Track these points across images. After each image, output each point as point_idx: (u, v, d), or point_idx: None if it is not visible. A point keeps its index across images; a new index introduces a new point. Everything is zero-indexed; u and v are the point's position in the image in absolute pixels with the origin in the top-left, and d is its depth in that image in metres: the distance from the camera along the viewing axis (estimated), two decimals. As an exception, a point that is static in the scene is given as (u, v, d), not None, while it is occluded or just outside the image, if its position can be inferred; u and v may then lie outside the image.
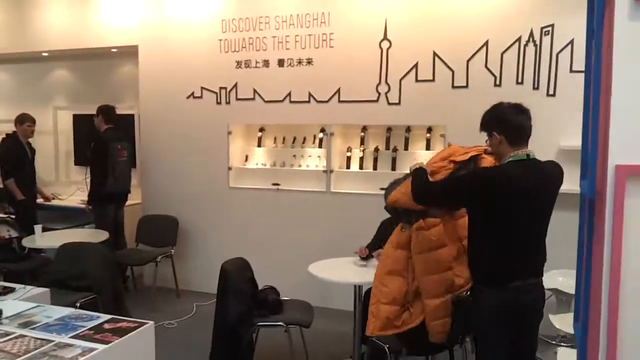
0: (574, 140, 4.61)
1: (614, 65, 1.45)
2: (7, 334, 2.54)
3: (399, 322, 3.19)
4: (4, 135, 6.51)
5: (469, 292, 3.05)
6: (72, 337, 2.50)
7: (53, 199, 6.82)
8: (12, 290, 3.39)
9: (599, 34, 1.60)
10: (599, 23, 1.60)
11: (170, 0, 5.99)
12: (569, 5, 4.64)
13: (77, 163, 7.34)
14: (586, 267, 1.75)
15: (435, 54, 5.05)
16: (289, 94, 5.59)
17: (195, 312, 5.43)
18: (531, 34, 4.77)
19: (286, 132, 5.85)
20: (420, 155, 5.13)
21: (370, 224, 4.53)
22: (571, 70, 4.67)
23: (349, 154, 5.56)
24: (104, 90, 7.02)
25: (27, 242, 5.28)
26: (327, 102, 5.44)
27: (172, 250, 5.81)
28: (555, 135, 4.64)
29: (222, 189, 5.92)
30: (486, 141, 2.83)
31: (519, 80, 4.82)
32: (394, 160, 5.35)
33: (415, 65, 5.11)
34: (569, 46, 4.67)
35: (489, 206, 2.66)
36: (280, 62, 5.59)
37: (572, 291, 3.96)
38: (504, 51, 4.85)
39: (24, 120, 6.18)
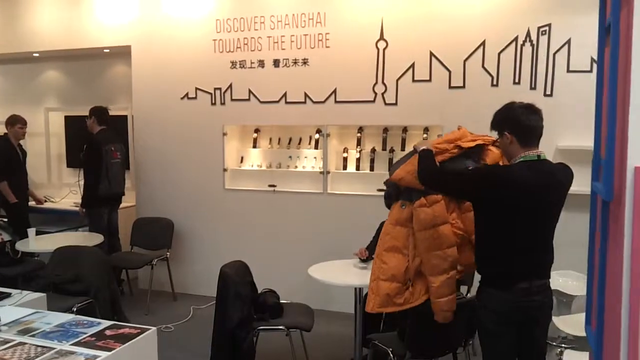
0: (572, 140, 4.62)
1: (632, 63, 1.42)
2: (6, 341, 2.50)
3: (400, 300, 3.15)
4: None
5: (474, 294, 3.02)
6: (74, 344, 2.46)
7: (45, 201, 6.74)
8: (7, 295, 3.34)
9: (616, 30, 1.57)
10: (615, 19, 1.57)
11: (163, 0, 5.93)
12: (566, 4, 4.66)
13: (69, 165, 7.26)
14: (600, 271, 1.73)
15: (432, 54, 5.03)
16: (285, 95, 5.55)
17: (192, 315, 5.38)
18: (528, 34, 4.76)
19: (282, 133, 5.82)
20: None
21: (368, 225, 4.50)
22: (568, 70, 4.68)
23: (345, 154, 5.54)
24: (96, 91, 6.95)
25: (20, 246, 5.20)
26: (323, 102, 5.41)
27: (168, 253, 5.75)
28: (552, 135, 4.61)
29: (217, 191, 5.88)
30: (496, 140, 2.81)
31: (516, 80, 4.82)
32: (390, 161, 5.32)
33: (412, 66, 5.10)
34: (566, 46, 4.68)
35: (496, 206, 2.65)
36: (276, 63, 5.55)
37: (573, 292, 3.98)
38: (501, 51, 4.84)
39: (15, 122, 6.10)
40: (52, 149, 7.40)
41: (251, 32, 5.61)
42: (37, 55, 7.01)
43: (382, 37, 5.17)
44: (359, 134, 5.49)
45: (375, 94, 5.23)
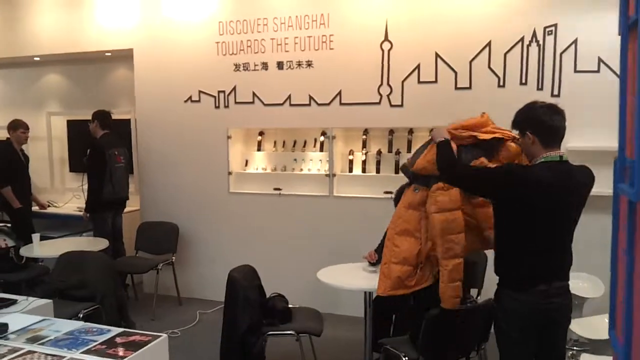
0: (580, 141, 4.58)
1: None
2: (15, 350, 2.46)
3: (411, 282, 3.18)
4: (-4, 142, 6.42)
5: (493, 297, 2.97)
6: (84, 352, 2.42)
7: (49, 206, 6.70)
8: (13, 302, 3.30)
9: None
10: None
11: (165, 2, 5.90)
12: (572, 4, 4.63)
13: (72, 170, 7.21)
14: (627, 274, 1.69)
15: (437, 55, 5.00)
16: (289, 97, 5.51)
17: (198, 320, 5.34)
18: (534, 34, 4.73)
19: (286, 135, 5.78)
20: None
21: (375, 228, 4.46)
22: (575, 70, 4.65)
23: (351, 157, 5.50)
24: (98, 95, 6.92)
25: (24, 252, 5.17)
26: (328, 104, 5.37)
27: (173, 258, 5.71)
28: (560, 135, 4.60)
29: (222, 194, 5.84)
30: (518, 139, 2.77)
31: (523, 81, 4.79)
32: (397, 163, 5.29)
33: (418, 67, 5.06)
34: (573, 46, 4.64)
35: (516, 206, 2.62)
36: (280, 65, 5.52)
37: (585, 295, 3.94)
38: (507, 51, 4.81)
39: (17, 127, 6.06)
40: (54, 154, 7.35)
41: (254, 34, 5.58)
42: (38, 59, 6.97)
43: (386, 38, 5.14)
44: (364, 136, 5.45)
45: (381, 95, 5.19)
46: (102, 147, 5.69)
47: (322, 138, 5.55)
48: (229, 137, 5.77)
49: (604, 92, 4.52)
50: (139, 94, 6.14)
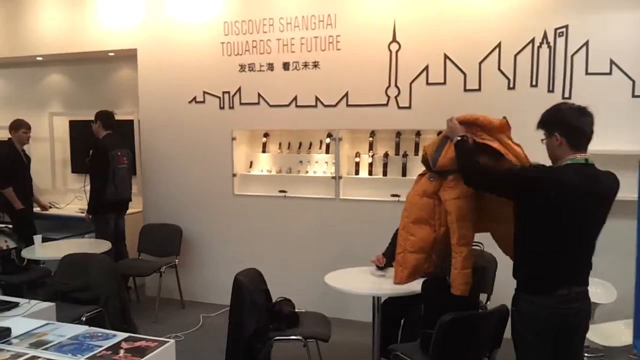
0: (592, 144, 4.50)
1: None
2: (18, 355, 2.39)
3: (425, 267, 3.28)
4: (-3, 143, 6.35)
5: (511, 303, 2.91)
6: (89, 358, 2.35)
7: (50, 207, 6.63)
8: (15, 305, 3.23)
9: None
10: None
11: (169, 2, 5.83)
12: (584, 5, 4.56)
13: (74, 170, 7.16)
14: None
15: (446, 56, 4.93)
16: (295, 98, 5.44)
17: (202, 324, 5.26)
18: (545, 36, 4.67)
19: (291, 137, 5.71)
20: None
21: (382, 231, 4.41)
22: (587, 72, 4.58)
23: (357, 159, 5.43)
24: (101, 96, 6.86)
25: (26, 253, 5.10)
26: (334, 106, 5.30)
27: (176, 260, 5.64)
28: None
29: (226, 197, 5.77)
30: (542, 140, 2.71)
31: (533, 83, 4.72)
32: (404, 165, 5.23)
33: (426, 68, 5.00)
34: (584, 48, 4.57)
35: (541, 209, 2.56)
36: (286, 66, 5.45)
37: (597, 300, 3.86)
38: (517, 53, 4.74)
39: (19, 127, 6.00)
40: (56, 154, 7.29)
41: (260, 34, 5.51)
42: (40, 59, 6.91)
43: (394, 39, 5.07)
44: (371, 138, 5.38)
45: (388, 97, 5.13)
46: (105, 147, 5.63)
47: (328, 140, 5.48)
48: (233, 139, 5.70)
49: (616, 94, 4.47)
50: (143, 94, 6.07)
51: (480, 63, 4.84)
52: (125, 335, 2.59)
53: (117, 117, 5.93)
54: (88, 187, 5.65)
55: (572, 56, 4.61)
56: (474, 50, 4.84)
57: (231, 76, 5.65)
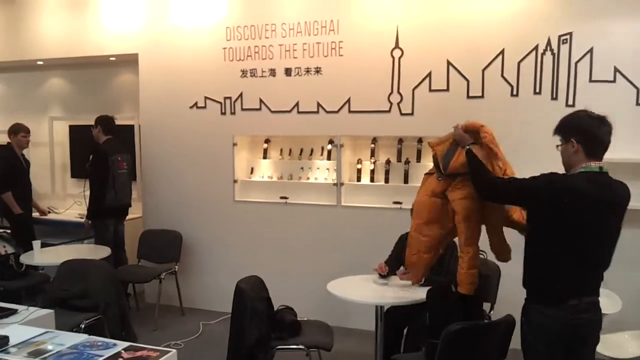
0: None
1: None
2: (16, 365, 2.34)
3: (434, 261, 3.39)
4: (-4, 147, 6.31)
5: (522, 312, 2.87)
6: (89, 368, 2.31)
7: (49, 212, 6.58)
8: (14, 312, 3.20)
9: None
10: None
11: (171, 6, 5.80)
12: (588, 12, 4.54)
13: (73, 175, 7.11)
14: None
15: (449, 63, 4.90)
16: (297, 104, 5.41)
17: (202, 331, 5.21)
18: (549, 43, 4.64)
19: (293, 143, 5.68)
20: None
21: (384, 238, 4.38)
22: (591, 80, 4.55)
23: (359, 166, 5.39)
24: (102, 100, 6.81)
25: (25, 259, 5.06)
26: (336, 112, 5.27)
27: (176, 267, 5.59)
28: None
29: (227, 203, 5.72)
30: (558, 146, 2.68)
31: (537, 90, 4.69)
32: (406, 172, 5.19)
33: (429, 75, 4.96)
34: (588, 55, 4.55)
35: (555, 217, 2.53)
36: (288, 71, 5.42)
37: (604, 311, 3.82)
38: (521, 60, 4.71)
39: (18, 131, 5.95)
40: (56, 159, 7.25)
41: (262, 40, 5.48)
42: (41, 63, 6.88)
43: (397, 46, 5.04)
44: (372, 145, 5.35)
45: (391, 103, 5.09)
46: (105, 152, 5.59)
47: (329, 146, 5.44)
48: (234, 144, 5.66)
49: (620, 102, 4.43)
50: (144, 99, 6.04)
51: (483, 70, 4.81)
52: (126, 344, 2.55)
53: (117, 122, 5.89)
54: (87, 192, 5.61)
55: (576, 63, 4.58)
56: (477, 57, 4.82)
57: (233, 81, 5.61)
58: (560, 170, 2.69)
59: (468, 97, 4.87)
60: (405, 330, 4.01)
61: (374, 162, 5.33)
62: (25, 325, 2.94)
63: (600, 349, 3.42)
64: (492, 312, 4.00)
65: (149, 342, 2.59)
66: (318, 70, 5.32)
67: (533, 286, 2.67)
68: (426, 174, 3.37)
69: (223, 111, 5.69)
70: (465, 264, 3.07)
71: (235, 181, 5.70)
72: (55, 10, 6.36)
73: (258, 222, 5.62)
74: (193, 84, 5.77)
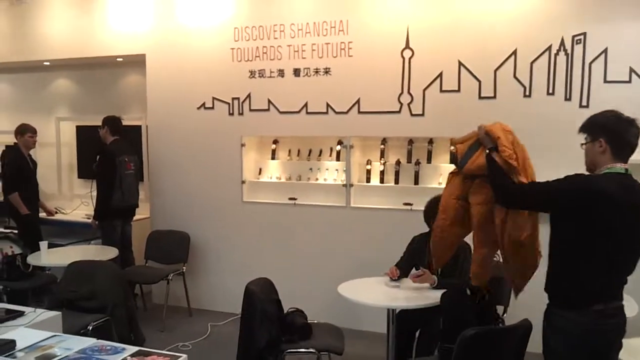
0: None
1: None
2: (24, 369, 2.30)
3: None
4: (3, 147, 6.28)
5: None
6: (98, 373, 2.26)
7: (56, 213, 6.54)
8: (21, 314, 3.16)
9: None
10: None
11: (179, 7, 5.77)
12: (602, 13, 4.48)
13: (80, 176, 7.09)
14: None
15: (460, 63, 4.84)
16: (306, 105, 5.36)
17: (210, 332, 5.16)
18: (562, 43, 4.58)
19: (301, 144, 5.63)
20: (445, 169, 4.93)
21: (394, 240, 4.34)
22: (605, 81, 4.49)
23: (368, 167, 5.34)
24: (109, 101, 6.79)
25: (32, 260, 5.02)
26: (346, 113, 5.22)
27: (184, 268, 5.55)
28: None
29: (235, 204, 5.68)
30: (582, 144, 2.61)
31: (550, 91, 4.63)
32: (416, 173, 5.14)
33: (440, 75, 4.91)
34: (602, 55, 4.48)
35: (579, 220, 2.47)
36: (296, 72, 5.37)
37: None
38: (534, 60, 4.65)
39: (25, 131, 5.92)
40: (63, 160, 7.23)
41: (271, 40, 5.44)
42: (48, 63, 6.86)
43: (407, 46, 4.99)
44: (382, 146, 5.30)
45: (401, 104, 5.04)
46: (112, 153, 5.56)
47: (338, 147, 5.39)
48: (242, 145, 5.62)
49: (635, 103, 4.35)
50: (151, 100, 6.00)
51: (495, 70, 4.75)
52: (135, 349, 2.50)
53: (124, 123, 5.87)
54: (94, 193, 5.58)
55: (590, 64, 4.52)
56: (489, 57, 4.76)
57: (241, 82, 5.57)
58: (575, 170, 2.60)
59: (480, 97, 4.82)
60: (417, 334, 3.96)
61: (384, 163, 5.28)
62: (33, 328, 2.90)
63: (621, 353, 3.36)
64: (505, 315, 3.94)
65: (157, 343, 2.55)
66: (327, 71, 5.27)
67: (557, 290, 2.60)
68: (451, 173, 3.23)
69: (231, 112, 5.65)
70: (479, 261, 3.03)
71: (243, 182, 5.65)
72: (62, 10, 6.34)
73: (266, 223, 5.58)
74: (201, 85, 5.73)
